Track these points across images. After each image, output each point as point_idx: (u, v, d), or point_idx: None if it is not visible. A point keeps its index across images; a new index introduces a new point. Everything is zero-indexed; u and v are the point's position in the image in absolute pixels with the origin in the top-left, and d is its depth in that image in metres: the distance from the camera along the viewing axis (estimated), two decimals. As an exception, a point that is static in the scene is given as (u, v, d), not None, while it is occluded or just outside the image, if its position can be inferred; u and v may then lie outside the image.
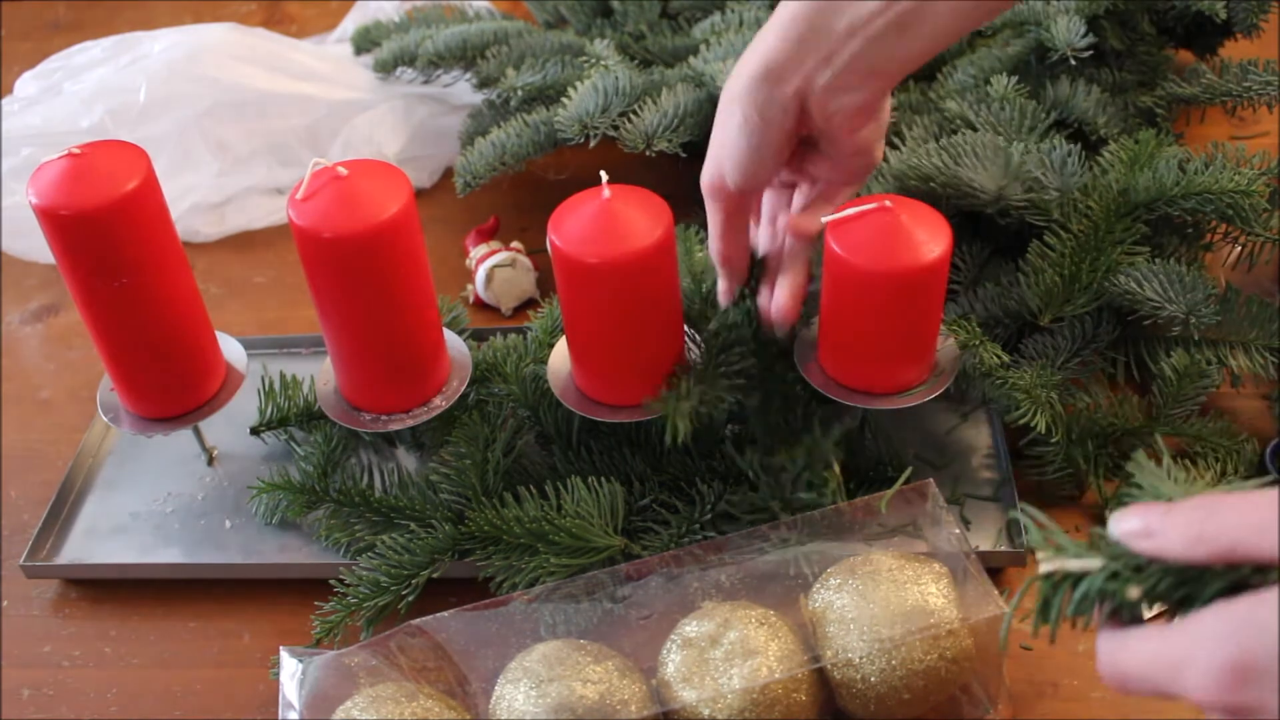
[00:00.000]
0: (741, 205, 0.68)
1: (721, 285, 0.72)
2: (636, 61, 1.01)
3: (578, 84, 0.91)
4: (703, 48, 0.95)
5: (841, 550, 0.65)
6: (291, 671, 0.64)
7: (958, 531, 0.64)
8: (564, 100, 0.90)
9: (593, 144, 0.87)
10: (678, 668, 0.61)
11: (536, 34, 1.01)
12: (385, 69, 1.05)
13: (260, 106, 1.04)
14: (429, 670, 0.64)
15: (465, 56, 1.00)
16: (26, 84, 1.08)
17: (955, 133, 0.84)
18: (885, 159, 0.80)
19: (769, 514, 0.69)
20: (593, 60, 0.96)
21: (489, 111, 1.01)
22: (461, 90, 1.07)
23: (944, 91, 0.90)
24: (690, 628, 0.63)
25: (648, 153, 0.86)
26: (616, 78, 0.89)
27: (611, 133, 0.87)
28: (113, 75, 1.04)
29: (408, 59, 1.03)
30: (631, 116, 0.87)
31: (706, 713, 0.60)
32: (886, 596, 0.61)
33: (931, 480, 0.66)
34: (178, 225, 0.98)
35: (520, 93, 0.95)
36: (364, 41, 1.11)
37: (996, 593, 0.61)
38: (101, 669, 0.74)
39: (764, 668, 0.60)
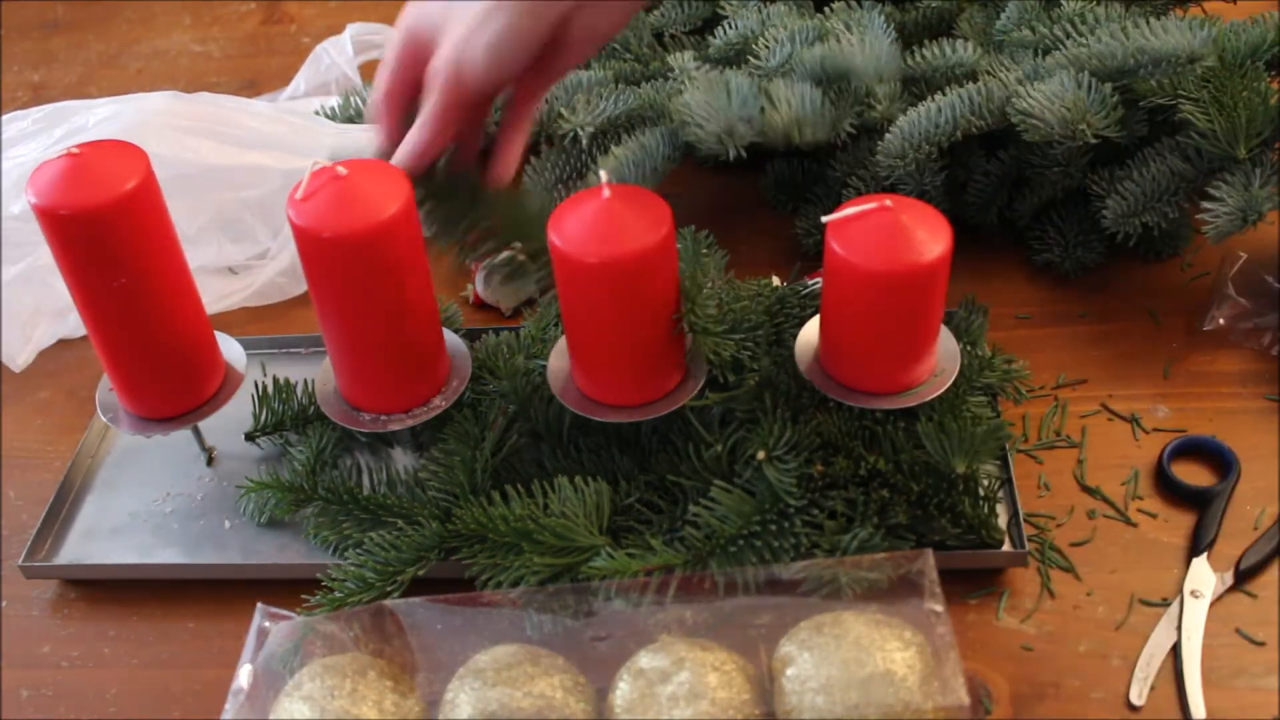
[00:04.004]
0: (472, 102, 0.69)
1: (381, 145, 0.72)
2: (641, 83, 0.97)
3: (681, 101, 0.86)
4: (762, 50, 0.91)
5: (815, 606, 0.64)
6: (258, 627, 0.66)
7: (940, 609, 0.63)
8: (682, 119, 0.85)
9: (732, 155, 0.82)
10: (625, 697, 0.61)
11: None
12: None
13: (207, 180, 0.96)
14: (387, 652, 0.66)
15: None
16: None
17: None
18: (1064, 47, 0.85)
19: (762, 518, 0.69)
20: (680, 74, 0.92)
21: (552, 154, 0.95)
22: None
23: None
24: (644, 660, 0.62)
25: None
26: (729, 81, 0.85)
27: (755, 138, 0.83)
28: (44, 152, 0.95)
29: None
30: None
31: None
32: (849, 660, 0.60)
33: (930, 551, 0.64)
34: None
35: (590, 129, 0.90)
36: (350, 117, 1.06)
37: (962, 681, 0.60)
38: (100, 669, 0.74)
39: (707, 714, 0.59)
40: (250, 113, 1.02)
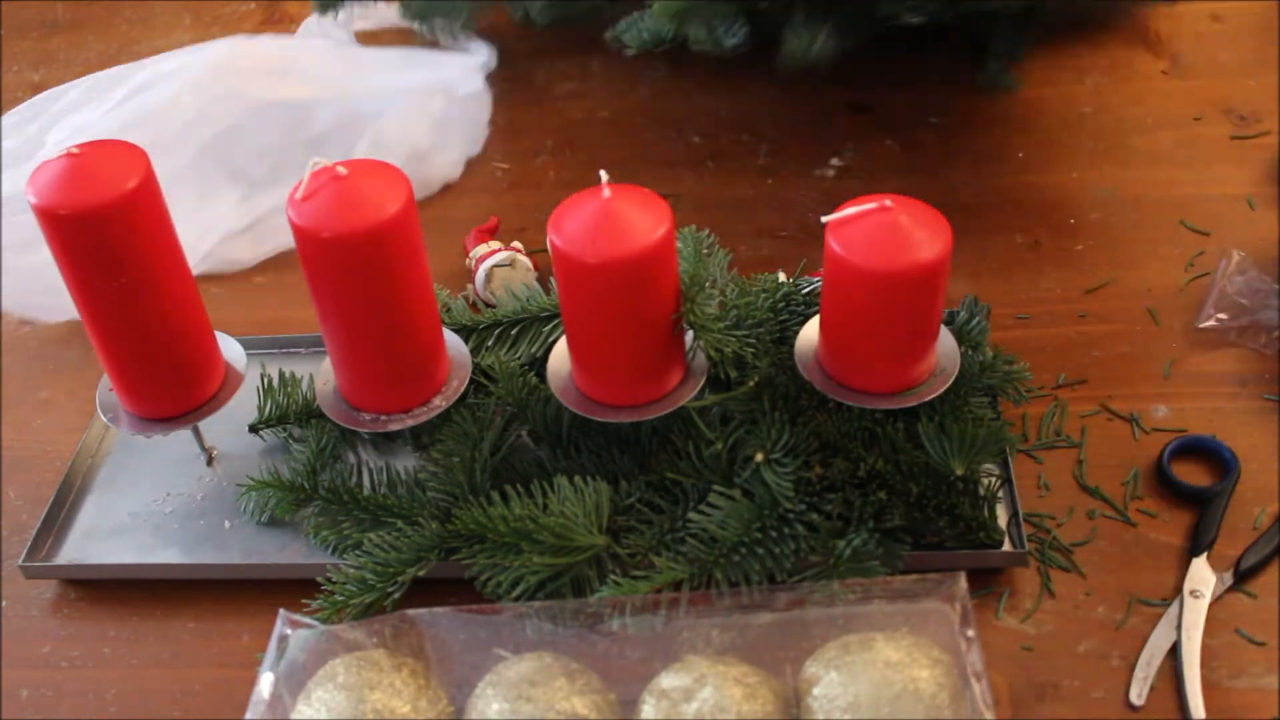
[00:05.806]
0: None
1: None
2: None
3: None
4: None
5: (843, 628, 0.64)
6: (279, 634, 0.66)
7: (972, 634, 0.62)
8: None
9: None
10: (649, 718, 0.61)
11: None
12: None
13: (273, 118, 0.99)
14: (409, 661, 0.65)
15: None
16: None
17: None
18: None
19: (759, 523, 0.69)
20: None
21: None
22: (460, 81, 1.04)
23: None
24: (667, 680, 0.62)
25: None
26: None
27: None
28: (104, 116, 0.97)
29: None
30: None
31: None
32: (877, 679, 0.59)
33: (962, 574, 0.64)
34: (213, 259, 0.97)
35: None
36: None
37: (993, 705, 0.59)
38: (101, 669, 0.74)
39: None
40: (310, 52, 1.06)
